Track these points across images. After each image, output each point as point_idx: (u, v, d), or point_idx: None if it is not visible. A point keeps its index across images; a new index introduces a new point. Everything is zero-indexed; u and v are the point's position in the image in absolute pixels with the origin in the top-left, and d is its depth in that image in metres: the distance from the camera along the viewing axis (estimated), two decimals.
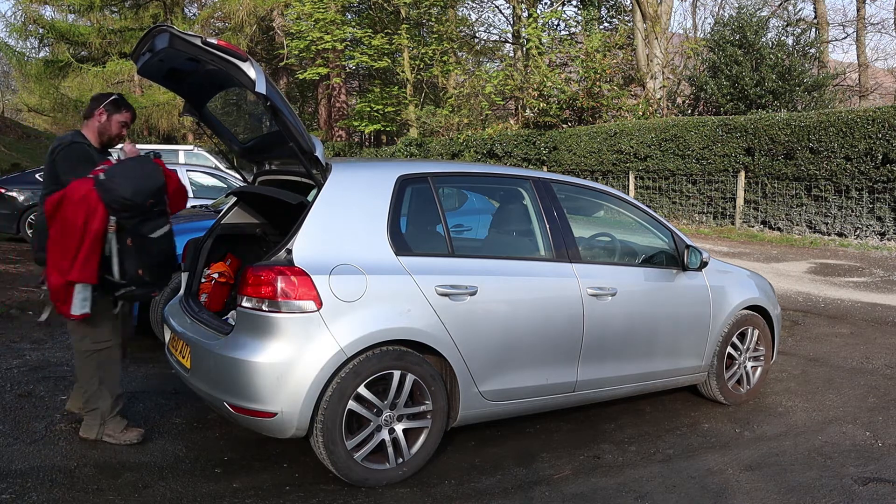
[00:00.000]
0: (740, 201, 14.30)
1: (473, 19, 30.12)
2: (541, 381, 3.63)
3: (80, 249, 3.20)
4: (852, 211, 12.57)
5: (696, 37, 28.12)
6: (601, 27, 24.55)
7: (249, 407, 3.03)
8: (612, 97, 19.44)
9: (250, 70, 2.96)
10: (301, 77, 27.27)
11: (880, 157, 11.94)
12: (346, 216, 3.24)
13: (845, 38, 30.02)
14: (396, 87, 25.50)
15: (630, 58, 21.37)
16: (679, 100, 20.39)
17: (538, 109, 20.18)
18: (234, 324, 3.24)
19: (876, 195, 12.20)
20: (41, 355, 5.11)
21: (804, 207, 13.29)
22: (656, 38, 19.59)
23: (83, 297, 3.26)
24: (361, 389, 3.10)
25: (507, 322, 3.48)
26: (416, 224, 3.60)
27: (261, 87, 2.95)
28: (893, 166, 11.81)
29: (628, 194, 10.76)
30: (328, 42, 23.48)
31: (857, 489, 3.31)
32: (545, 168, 18.20)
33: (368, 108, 25.42)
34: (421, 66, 24.96)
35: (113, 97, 3.61)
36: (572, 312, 3.67)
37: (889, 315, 7.31)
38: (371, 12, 25.32)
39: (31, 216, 11.30)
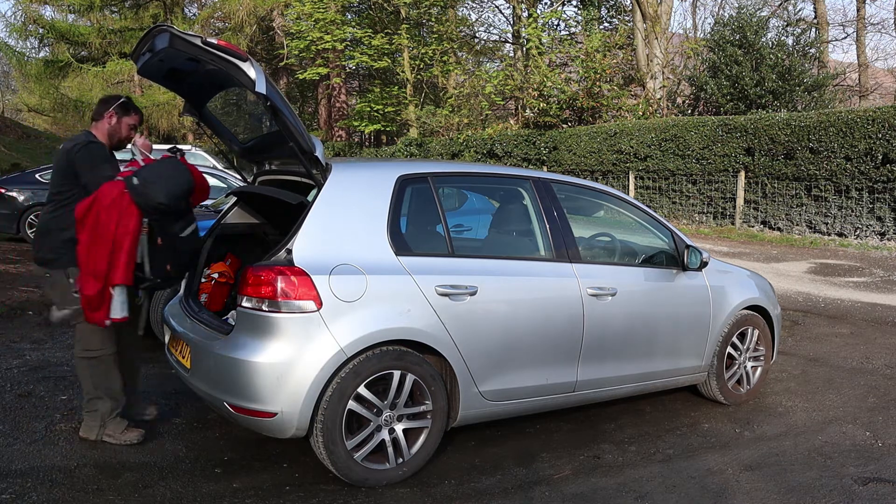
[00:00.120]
0: (740, 201, 14.30)
1: (473, 19, 30.16)
2: (541, 381, 3.63)
3: (119, 252, 3.22)
4: (852, 211, 12.57)
5: (696, 37, 28.12)
6: (601, 27, 24.55)
7: (249, 407, 3.03)
8: (612, 97, 19.44)
9: (250, 70, 2.96)
10: (301, 77, 27.27)
11: (880, 157, 11.94)
12: (346, 216, 3.24)
13: (845, 38, 30.05)
14: (396, 87, 25.50)
15: (630, 58, 21.37)
16: (679, 100, 20.39)
17: (538, 109, 20.18)
18: (234, 324, 3.24)
19: (876, 195, 12.20)
20: (41, 355, 5.11)
21: (804, 207, 13.29)
22: (656, 38, 19.59)
23: (122, 301, 3.29)
24: (361, 389, 3.10)
25: (507, 322, 3.48)
26: (416, 224, 3.60)
27: (261, 87, 2.95)
28: (893, 166, 11.81)
29: (628, 194, 10.76)
30: (328, 42, 23.48)
31: (857, 489, 3.31)
32: (545, 168, 18.20)
33: (368, 108, 25.42)
34: (421, 66, 24.96)
35: (122, 100, 3.60)
36: (572, 312, 3.67)
37: (889, 315, 7.31)
38: (371, 12, 25.32)
39: (32, 216, 11.31)
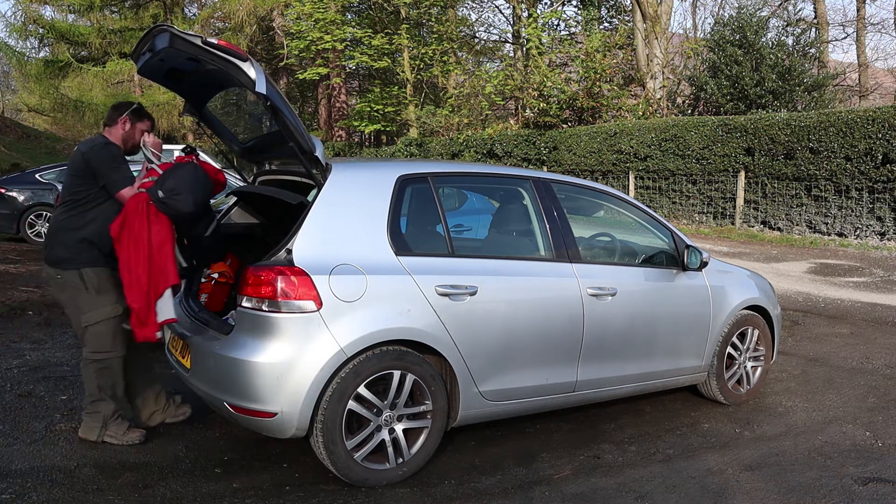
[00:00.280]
0: (740, 201, 14.30)
1: (473, 19, 30.15)
2: (541, 381, 3.63)
3: (161, 257, 3.29)
4: (852, 211, 12.57)
5: (696, 37, 28.12)
6: (601, 27, 24.55)
7: (249, 407, 3.03)
8: (612, 97, 19.44)
9: (250, 70, 2.96)
10: (301, 77, 27.26)
11: (880, 157, 11.94)
12: (346, 216, 3.24)
13: (845, 38, 30.04)
14: (396, 87, 25.50)
15: (630, 58, 21.36)
16: (679, 100, 20.39)
17: (538, 109, 20.18)
18: (234, 324, 3.24)
19: (876, 195, 12.20)
20: (41, 355, 5.11)
21: (804, 207, 13.29)
22: (656, 38, 19.59)
23: (172, 302, 3.31)
24: (361, 389, 3.10)
25: (507, 322, 3.48)
26: (416, 224, 3.60)
27: (261, 87, 2.95)
28: (893, 166, 11.81)
29: (628, 194, 10.76)
30: (328, 42, 23.47)
31: (857, 489, 3.31)
32: (545, 168, 18.20)
33: (368, 108, 25.42)
34: (421, 66, 24.95)
35: (134, 106, 3.63)
36: (572, 312, 3.67)
37: (889, 315, 7.31)
38: (371, 12, 25.31)
39: (32, 216, 11.32)
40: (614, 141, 16.80)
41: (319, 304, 3.01)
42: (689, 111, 19.58)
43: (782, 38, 18.54)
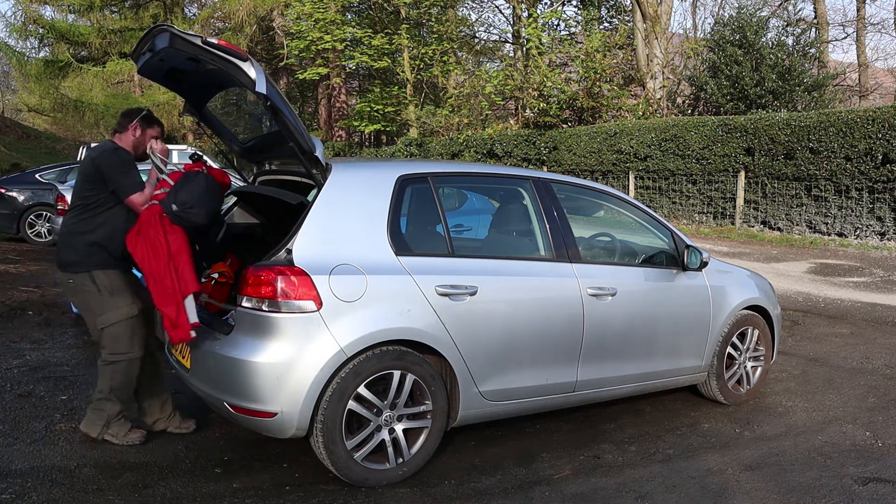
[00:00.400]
0: (740, 201, 14.30)
1: (473, 19, 30.15)
2: (541, 381, 3.63)
3: (180, 264, 3.30)
4: (852, 211, 12.57)
5: (696, 37, 28.11)
6: (601, 27, 24.55)
7: (249, 407, 3.03)
8: (612, 97, 19.44)
9: (250, 70, 2.96)
10: (301, 77, 27.26)
11: (880, 157, 11.94)
12: (346, 216, 3.24)
13: (845, 38, 30.04)
14: (396, 87, 25.50)
15: (630, 58, 21.36)
16: (679, 100, 20.38)
17: (538, 109, 20.17)
18: (234, 324, 3.24)
19: (876, 195, 12.20)
20: (41, 355, 5.11)
21: (804, 207, 13.29)
22: (656, 38, 19.59)
23: (195, 305, 3.32)
24: (361, 389, 3.10)
25: (507, 322, 3.47)
26: (416, 224, 3.60)
27: (261, 87, 2.95)
28: (893, 166, 11.81)
29: (628, 194, 10.76)
30: (328, 42, 23.48)
31: (857, 489, 3.31)
32: (545, 168, 18.20)
33: (368, 108, 25.42)
34: (421, 66, 24.95)
35: (144, 112, 3.65)
36: (572, 312, 3.67)
37: (889, 315, 7.31)
38: (371, 12, 25.31)
39: (32, 216, 11.32)
40: (614, 141, 16.80)
41: (319, 304, 3.01)
42: (689, 111, 19.58)
43: (782, 38, 18.54)
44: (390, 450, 3.22)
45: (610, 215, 6.11)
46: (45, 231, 11.29)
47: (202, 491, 3.12)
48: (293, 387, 2.97)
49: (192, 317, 3.28)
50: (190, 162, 3.66)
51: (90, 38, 24.08)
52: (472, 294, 3.34)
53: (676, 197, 15.72)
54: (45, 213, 11.30)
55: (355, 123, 26.87)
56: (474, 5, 30.00)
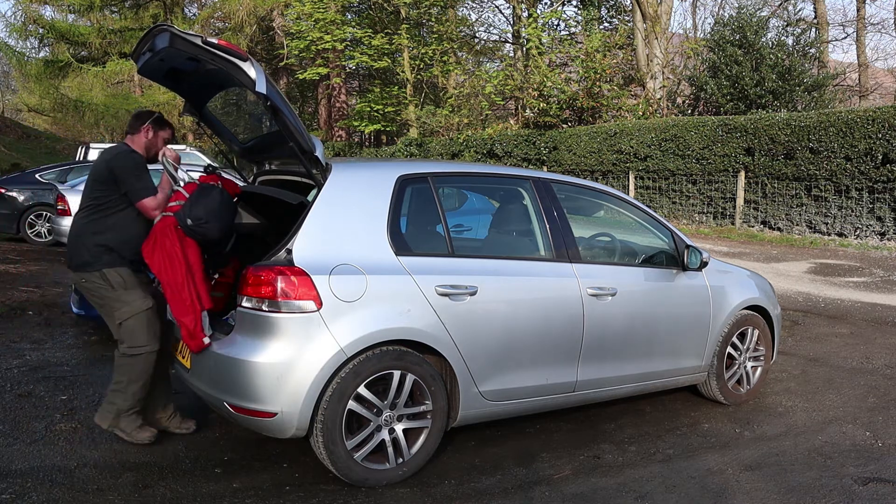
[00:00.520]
0: (740, 201, 14.30)
1: (473, 19, 30.16)
2: (541, 381, 3.63)
3: (197, 279, 3.32)
4: (852, 211, 12.57)
5: (696, 37, 28.11)
6: (601, 27, 24.55)
7: (249, 407, 3.03)
8: (612, 97, 19.44)
9: (250, 70, 2.96)
10: (301, 77, 27.27)
11: (880, 157, 11.94)
12: (346, 216, 3.24)
13: (845, 38, 30.04)
14: (396, 87, 25.50)
15: (630, 58, 21.37)
16: (679, 100, 20.38)
17: (538, 109, 20.18)
18: (234, 324, 3.24)
19: (876, 195, 12.20)
20: (41, 355, 5.11)
21: (804, 207, 13.29)
22: (656, 38, 19.59)
23: (208, 320, 3.32)
24: (361, 389, 3.10)
25: (507, 322, 3.47)
26: (416, 224, 3.60)
27: (261, 87, 2.95)
28: (893, 166, 11.81)
29: (628, 194, 10.76)
30: (328, 42, 23.48)
31: (857, 489, 3.31)
32: (545, 168, 18.20)
33: (368, 108, 25.43)
34: (421, 66, 24.96)
35: (156, 115, 3.66)
36: (572, 312, 3.67)
37: (889, 315, 7.31)
38: (371, 12, 25.32)
39: (32, 216, 11.32)
40: (614, 141, 16.80)
41: (319, 304, 3.01)
42: (689, 111, 19.58)
43: (782, 38, 18.54)
44: (390, 450, 3.22)
45: (610, 215, 6.12)
46: (45, 231, 11.29)
47: (202, 491, 3.12)
48: (293, 387, 2.97)
49: (207, 329, 3.30)
50: (204, 174, 3.66)
51: (90, 38, 24.10)
52: (472, 294, 3.34)
53: (676, 197, 15.72)
54: (45, 213, 11.30)
55: (355, 123, 26.87)
56: (474, 5, 30.04)
